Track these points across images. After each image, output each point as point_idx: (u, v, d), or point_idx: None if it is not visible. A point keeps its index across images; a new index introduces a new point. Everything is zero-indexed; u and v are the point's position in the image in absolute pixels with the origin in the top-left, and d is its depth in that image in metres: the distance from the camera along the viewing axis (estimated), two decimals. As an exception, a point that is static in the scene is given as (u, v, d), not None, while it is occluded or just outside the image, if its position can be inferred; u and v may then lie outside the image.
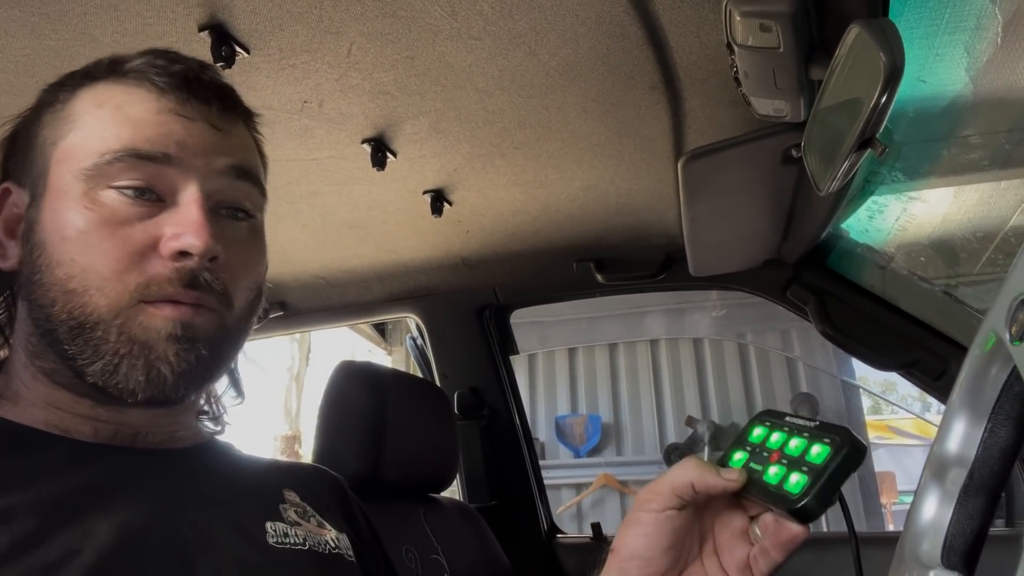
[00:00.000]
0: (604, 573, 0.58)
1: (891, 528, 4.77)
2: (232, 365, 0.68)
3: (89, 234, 0.54)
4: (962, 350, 0.39)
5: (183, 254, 0.55)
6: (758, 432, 0.60)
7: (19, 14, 0.83)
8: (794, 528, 0.53)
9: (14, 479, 0.50)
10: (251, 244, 0.62)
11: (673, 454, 4.57)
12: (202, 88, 0.59)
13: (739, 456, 0.60)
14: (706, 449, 4.47)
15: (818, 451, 0.52)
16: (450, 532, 1.35)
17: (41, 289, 0.55)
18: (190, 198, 0.56)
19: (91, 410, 0.58)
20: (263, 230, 0.65)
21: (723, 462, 0.60)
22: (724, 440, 4.54)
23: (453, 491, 1.69)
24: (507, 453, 1.80)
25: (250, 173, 0.62)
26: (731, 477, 0.56)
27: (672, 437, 4.67)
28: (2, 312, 0.63)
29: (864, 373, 4.66)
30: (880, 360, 1.38)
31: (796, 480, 0.52)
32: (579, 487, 4.68)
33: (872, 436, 4.73)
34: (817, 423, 0.56)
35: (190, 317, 0.56)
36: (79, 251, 0.54)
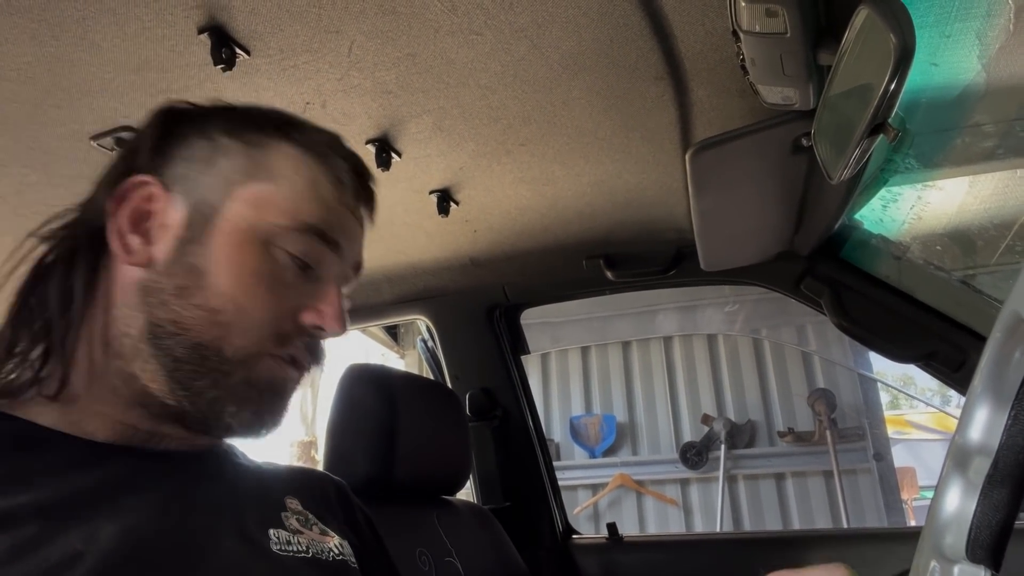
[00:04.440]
0: None
1: (912, 524, 4.71)
2: None
3: (259, 284, 0.59)
4: (981, 340, 0.37)
5: (319, 329, 0.63)
6: None
7: (19, 20, 0.82)
8: None
9: (19, 479, 0.50)
10: None
11: (689, 452, 4.54)
12: (365, 191, 0.70)
13: None
14: (722, 447, 4.44)
15: None
16: (464, 534, 1.34)
17: (185, 309, 0.57)
18: (335, 285, 0.64)
19: (125, 414, 0.58)
20: None
21: None
22: (740, 438, 4.50)
23: (467, 493, 1.68)
24: (520, 454, 1.79)
25: (362, 266, 0.71)
26: None
27: (688, 435, 4.64)
28: (82, 304, 0.60)
29: (882, 367, 4.60)
30: (897, 352, 1.35)
31: None
32: (595, 487, 4.66)
33: (891, 431, 4.66)
34: None
35: (299, 380, 0.64)
36: (243, 293, 0.58)
